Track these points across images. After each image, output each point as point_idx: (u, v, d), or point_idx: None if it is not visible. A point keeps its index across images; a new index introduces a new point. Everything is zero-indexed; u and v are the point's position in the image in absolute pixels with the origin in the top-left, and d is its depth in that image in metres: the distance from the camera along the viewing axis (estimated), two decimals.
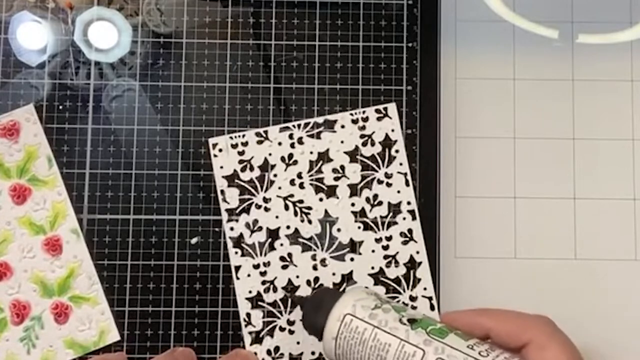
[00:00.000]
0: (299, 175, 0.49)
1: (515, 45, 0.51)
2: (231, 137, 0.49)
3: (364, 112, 0.49)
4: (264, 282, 0.48)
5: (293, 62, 0.50)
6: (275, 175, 0.49)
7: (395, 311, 0.38)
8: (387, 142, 0.49)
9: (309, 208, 0.49)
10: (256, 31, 0.50)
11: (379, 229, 0.48)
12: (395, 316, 0.38)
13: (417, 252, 0.48)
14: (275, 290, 0.48)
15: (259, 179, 0.49)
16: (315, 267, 0.48)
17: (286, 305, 0.48)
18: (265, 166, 0.49)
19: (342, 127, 0.49)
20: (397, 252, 0.48)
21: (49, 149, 0.48)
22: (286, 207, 0.49)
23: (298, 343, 0.48)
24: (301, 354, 0.47)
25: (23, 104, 0.49)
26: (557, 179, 0.50)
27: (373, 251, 0.48)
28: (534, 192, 0.50)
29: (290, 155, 0.49)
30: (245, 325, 0.48)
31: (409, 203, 0.49)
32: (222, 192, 0.49)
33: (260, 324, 0.48)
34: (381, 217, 0.49)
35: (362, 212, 0.49)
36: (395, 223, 0.48)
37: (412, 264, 0.48)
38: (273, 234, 0.48)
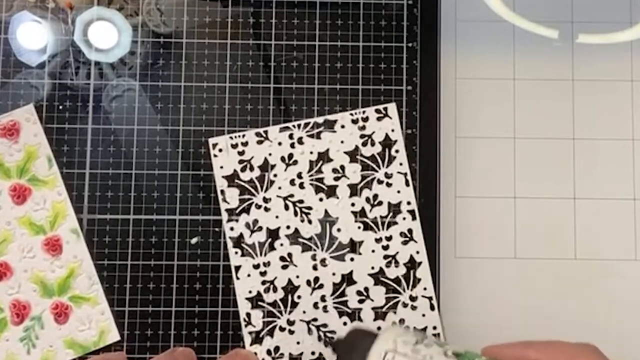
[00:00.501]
0: (299, 175, 0.49)
1: (515, 45, 0.51)
2: (231, 137, 0.49)
3: (364, 112, 0.49)
4: (264, 282, 0.48)
5: (293, 62, 0.50)
6: (275, 175, 0.49)
7: (437, 345, 0.37)
8: (387, 142, 0.49)
9: (309, 208, 0.49)
10: (256, 31, 0.50)
11: (379, 229, 0.48)
12: (438, 350, 0.37)
13: (417, 252, 0.48)
14: (275, 290, 0.48)
15: (259, 179, 0.49)
16: (315, 267, 0.48)
17: (286, 305, 0.48)
18: (265, 166, 0.49)
19: (342, 127, 0.49)
20: (397, 252, 0.48)
21: (49, 149, 0.48)
22: (286, 207, 0.49)
23: (298, 343, 0.48)
24: (301, 354, 0.47)
25: (23, 104, 0.49)
26: (557, 179, 0.50)
27: (373, 251, 0.48)
28: (534, 192, 0.50)
29: (290, 155, 0.49)
30: (245, 325, 0.48)
31: (409, 203, 0.49)
32: (222, 192, 0.49)
33: (260, 324, 0.48)
34: (381, 217, 0.49)
35: (362, 212, 0.49)
36: (395, 223, 0.48)
37: (412, 264, 0.48)
38: (273, 234, 0.48)
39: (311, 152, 0.49)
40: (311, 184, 0.49)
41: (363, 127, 0.49)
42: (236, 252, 0.48)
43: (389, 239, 0.48)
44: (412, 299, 0.48)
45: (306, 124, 0.49)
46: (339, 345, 0.41)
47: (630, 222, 0.49)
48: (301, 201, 0.49)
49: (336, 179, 0.49)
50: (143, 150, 0.49)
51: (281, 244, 0.48)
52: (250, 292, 0.48)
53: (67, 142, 0.49)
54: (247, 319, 0.48)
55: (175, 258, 0.48)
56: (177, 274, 0.48)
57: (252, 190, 0.49)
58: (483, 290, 0.49)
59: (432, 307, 0.48)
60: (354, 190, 0.49)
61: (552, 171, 0.50)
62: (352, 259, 0.48)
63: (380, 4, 0.50)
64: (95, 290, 0.48)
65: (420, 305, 0.48)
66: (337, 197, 0.49)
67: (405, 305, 0.48)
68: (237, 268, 0.48)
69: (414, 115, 0.49)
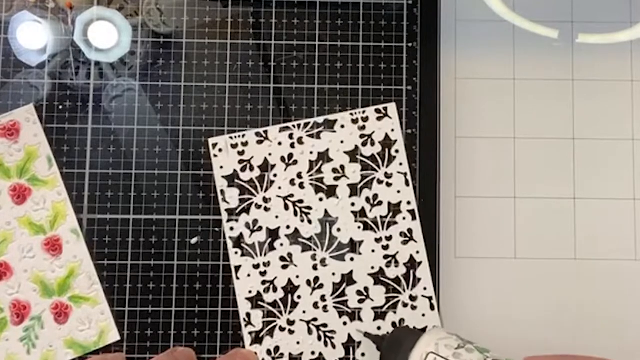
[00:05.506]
0: (299, 175, 0.49)
1: (515, 45, 0.51)
2: (231, 137, 0.49)
3: (364, 112, 0.49)
4: (264, 282, 0.48)
5: (293, 62, 0.50)
6: (275, 175, 0.49)
7: (478, 352, 0.38)
8: (387, 142, 0.49)
9: (309, 208, 0.49)
10: (256, 31, 0.50)
11: (379, 229, 0.48)
12: (479, 356, 0.38)
13: (417, 252, 0.48)
14: (275, 290, 0.48)
15: (259, 179, 0.49)
16: (315, 267, 0.48)
17: (286, 305, 0.48)
18: (265, 166, 0.49)
19: (342, 127, 0.49)
20: (397, 252, 0.48)
21: (49, 149, 0.48)
22: (286, 207, 0.49)
23: (298, 343, 0.48)
24: (301, 354, 0.47)
25: (23, 104, 0.49)
26: (557, 179, 0.50)
27: (373, 251, 0.48)
28: (534, 192, 0.50)
29: (290, 155, 0.49)
30: (245, 325, 0.48)
31: (409, 203, 0.49)
32: (222, 192, 0.49)
33: (260, 324, 0.48)
34: (381, 217, 0.49)
35: (362, 212, 0.49)
36: (395, 223, 0.48)
37: (412, 264, 0.48)
38: (273, 234, 0.48)
39: (311, 152, 0.49)
40: (311, 184, 0.49)
41: (363, 127, 0.49)
42: (236, 252, 0.48)
43: (389, 238, 0.48)
44: (412, 298, 0.48)
45: (306, 124, 0.49)
46: (383, 342, 0.43)
47: (630, 222, 0.49)
48: (301, 201, 0.49)
49: (336, 179, 0.49)
50: (143, 150, 0.49)
51: (281, 244, 0.48)
52: (250, 292, 0.48)
53: (67, 142, 0.49)
54: (247, 319, 0.48)
55: (175, 258, 0.48)
56: (177, 274, 0.48)
57: (252, 190, 0.49)
58: (483, 290, 0.49)
59: (432, 307, 0.48)
60: (354, 190, 0.49)
61: (552, 171, 0.50)
62: (352, 259, 0.48)
63: (380, 4, 0.50)
64: (95, 290, 0.48)
65: (420, 305, 0.48)
66: (337, 197, 0.49)
67: (405, 305, 0.48)
68: (237, 268, 0.48)
69: (414, 115, 0.49)
